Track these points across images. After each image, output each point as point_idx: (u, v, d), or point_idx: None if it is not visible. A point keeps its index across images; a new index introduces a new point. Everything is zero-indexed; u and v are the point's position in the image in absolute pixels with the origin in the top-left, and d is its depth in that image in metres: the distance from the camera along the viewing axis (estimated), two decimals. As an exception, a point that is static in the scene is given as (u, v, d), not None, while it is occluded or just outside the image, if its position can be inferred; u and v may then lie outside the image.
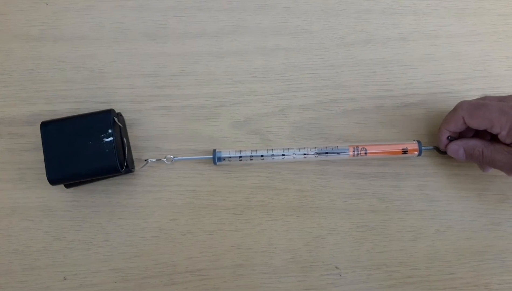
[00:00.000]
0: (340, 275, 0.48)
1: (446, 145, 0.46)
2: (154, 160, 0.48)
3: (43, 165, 0.48)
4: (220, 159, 0.48)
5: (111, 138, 0.43)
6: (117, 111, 0.50)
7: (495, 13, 0.53)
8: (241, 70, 0.51)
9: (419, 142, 0.48)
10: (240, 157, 0.48)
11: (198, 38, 0.52)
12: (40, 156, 0.48)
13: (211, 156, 0.48)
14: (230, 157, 0.48)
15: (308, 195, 0.49)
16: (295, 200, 0.49)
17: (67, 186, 0.46)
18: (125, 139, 0.47)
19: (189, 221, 0.48)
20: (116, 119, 0.45)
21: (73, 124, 0.44)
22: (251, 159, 0.48)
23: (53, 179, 0.43)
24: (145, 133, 0.50)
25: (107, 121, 0.44)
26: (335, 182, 0.49)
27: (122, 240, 0.48)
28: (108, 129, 0.44)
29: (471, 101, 0.44)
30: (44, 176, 0.47)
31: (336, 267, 0.48)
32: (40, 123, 0.45)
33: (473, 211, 0.49)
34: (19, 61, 0.50)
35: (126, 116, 0.50)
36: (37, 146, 0.49)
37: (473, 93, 0.51)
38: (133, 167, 0.47)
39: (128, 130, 0.49)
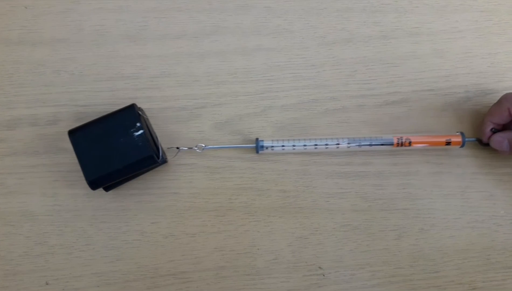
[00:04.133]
0: (324, 275, 0.47)
1: (489, 137, 0.46)
2: (185, 148, 0.48)
3: (24, 170, 0.48)
4: (262, 147, 0.47)
5: (141, 131, 0.43)
6: (98, 114, 0.49)
7: (477, 9, 0.53)
8: (222, 71, 0.51)
9: (462, 133, 0.48)
10: (283, 146, 0.47)
11: (178, 39, 0.51)
12: (20, 161, 0.48)
13: (252, 145, 0.48)
14: (272, 146, 0.47)
15: (290, 196, 0.49)
16: (278, 200, 0.49)
17: (106, 189, 0.46)
18: (153, 131, 0.47)
19: (171, 224, 0.48)
20: (140, 113, 0.45)
21: (100, 126, 0.44)
22: (294, 148, 0.47)
23: (94, 183, 0.43)
24: (126, 136, 0.49)
25: (133, 115, 0.44)
26: (318, 182, 0.49)
27: (104, 244, 0.48)
28: (136, 123, 0.43)
29: None
30: (25, 181, 0.47)
31: (320, 267, 0.48)
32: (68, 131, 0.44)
33: (456, 209, 0.49)
34: (-2, 66, 0.50)
35: (106, 119, 0.49)
36: (17, 151, 0.49)
37: (456, 90, 0.51)
38: (166, 158, 0.47)
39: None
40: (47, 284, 0.47)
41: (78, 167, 0.47)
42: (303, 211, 0.49)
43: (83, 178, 0.47)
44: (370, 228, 0.48)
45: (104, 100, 0.50)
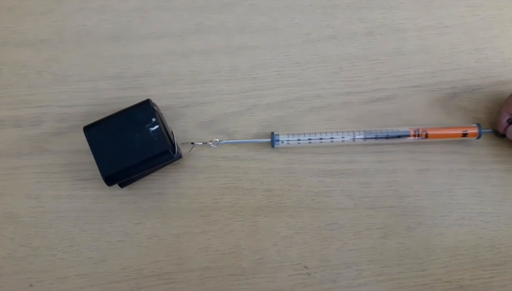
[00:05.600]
0: (309, 274, 0.47)
1: (506, 128, 0.46)
2: (200, 143, 0.48)
3: (7, 172, 0.48)
4: (278, 141, 0.47)
5: (156, 126, 0.43)
6: (81, 114, 0.49)
7: (463, 4, 0.52)
8: (206, 70, 0.50)
9: (478, 125, 0.47)
10: (299, 140, 0.47)
11: (162, 38, 0.51)
12: (3, 162, 0.48)
13: (267, 139, 0.48)
14: (288, 140, 0.47)
15: (276, 195, 0.48)
16: (263, 200, 0.48)
17: (121, 185, 0.46)
18: (168, 126, 0.47)
19: (155, 224, 0.48)
20: (155, 108, 0.44)
21: (115, 122, 0.44)
22: (310, 142, 0.47)
23: (109, 178, 0.43)
24: (109, 136, 0.49)
25: (148, 111, 0.44)
26: (303, 180, 0.49)
27: (88, 245, 0.47)
28: (151, 118, 0.43)
29: None
30: (9, 183, 0.47)
31: (305, 267, 0.47)
32: (83, 128, 0.44)
33: (443, 206, 0.48)
34: (-19, 67, 0.50)
35: (90, 119, 0.49)
36: (0, 153, 0.48)
37: (443, 86, 0.51)
38: (181, 153, 0.47)
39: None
40: (31, 286, 0.47)
41: (62, 169, 0.47)
42: (288, 210, 0.48)
43: (66, 179, 0.47)
44: (356, 226, 0.48)
45: (88, 101, 0.50)
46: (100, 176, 0.47)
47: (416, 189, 0.48)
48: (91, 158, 0.48)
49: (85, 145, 0.48)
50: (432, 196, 0.48)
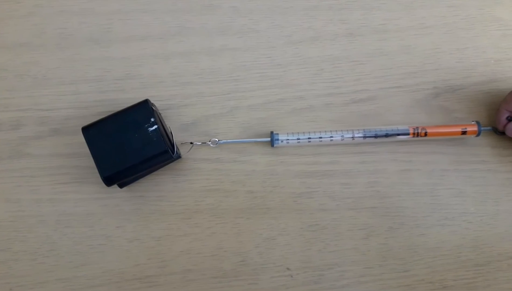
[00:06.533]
0: (292, 276, 0.47)
1: (505, 125, 0.46)
2: (199, 143, 0.48)
3: (-13, 176, 0.47)
4: (277, 141, 0.47)
5: (155, 126, 0.43)
6: (62, 118, 0.49)
7: (445, 4, 0.52)
8: (187, 72, 0.50)
9: (478, 123, 0.47)
10: (298, 139, 0.47)
11: (143, 41, 0.51)
12: (-18, 166, 0.47)
13: (267, 139, 0.48)
14: (288, 139, 0.47)
15: (258, 196, 0.48)
16: (245, 201, 0.48)
17: (120, 186, 0.46)
18: (166, 126, 0.47)
19: (137, 228, 0.47)
20: (154, 108, 0.44)
21: (113, 122, 0.44)
22: (309, 141, 0.47)
23: (108, 179, 0.43)
24: (90, 140, 0.48)
25: (147, 111, 0.44)
26: (285, 181, 0.48)
27: (69, 249, 0.47)
28: (150, 118, 0.43)
29: None
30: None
31: (288, 268, 0.47)
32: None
33: (425, 206, 0.48)
34: (-39, 71, 0.50)
35: (70, 123, 0.49)
36: (-21, 157, 0.48)
37: (424, 86, 0.51)
38: (180, 153, 0.47)
39: (73, 137, 0.49)
40: (11, 290, 0.46)
41: (42, 172, 0.47)
42: (270, 211, 0.48)
43: (46, 183, 0.47)
44: (338, 227, 0.48)
45: (68, 104, 0.49)
46: (80, 179, 0.47)
47: (398, 190, 0.48)
48: (72, 162, 0.48)
49: (66, 149, 0.48)
50: (415, 197, 0.48)
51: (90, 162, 0.47)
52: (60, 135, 0.49)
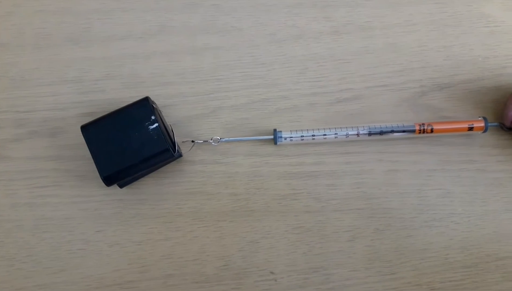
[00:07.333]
0: (276, 280, 0.46)
1: None
2: (200, 141, 0.47)
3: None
4: (280, 138, 0.46)
5: (156, 124, 0.42)
6: (40, 120, 0.48)
7: (431, 1, 0.51)
8: (169, 71, 0.49)
9: (485, 118, 0.46)
10: (302, 136, 0.46)
11: (123, 40, 0.50)
12: (-42, 170, 0.46)
13: (270, 136, 0.47)
14: (291, 137, 0.46)
15: (241, 199, 0.47)
16: (228, 204, 0.47)
17: (120, 186, 0.45)
18: (167, 124, 0.46)
19: (117, 232, 0.46)
20: (154, 106, 0.43)
21: (113, 121, 0.43)
22: (313, 139, 0.46)
23: (108, 178, 0.42)
24: (69, 142, 0.48)
25: (147, 109, 0.43)
26: (269, 183, 0.47)
27: (47, 255, 0.46)
28: (151, 116, 0.42)
29: None
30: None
31: (271, 272, 0.46)
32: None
33: (413, 207, 0.47)
34: None
35: (49, 125, 0.48)
36: (-46, 160, 0.47)
37: (411, 85, 0.50)
38: (181, 151, 0.46)
39: (52, 139, 0.48)
40: (-12, 298, 0.45)
41: (20, 176, 0.46)
42: (254, 214, 0.47)
43: (23, 187, 0.46)
44: (324, 229, 0.47)
45: (47, 105, 0.48)
46: (59, 183, 0.46)
47: (384, 191, 0.47)
48: (51, 165, 0.47)
49: (44, 151, 0.47)
50: (401, 198, 0.47)
51: (70, 165, 0.47)
52: (39, 138, 0.48)
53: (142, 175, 0.46)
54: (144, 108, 0.43)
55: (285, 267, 0.46)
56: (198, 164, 0.48)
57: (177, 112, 0.49)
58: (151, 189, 0.47)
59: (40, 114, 0.48)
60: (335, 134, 0.46)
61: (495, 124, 0.47)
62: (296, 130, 0.47)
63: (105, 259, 0.46)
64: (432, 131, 0.46)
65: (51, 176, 0.47)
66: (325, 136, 0.46)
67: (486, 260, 0.46)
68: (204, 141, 0.47)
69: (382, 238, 0.47)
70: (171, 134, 0.45)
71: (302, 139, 0.46)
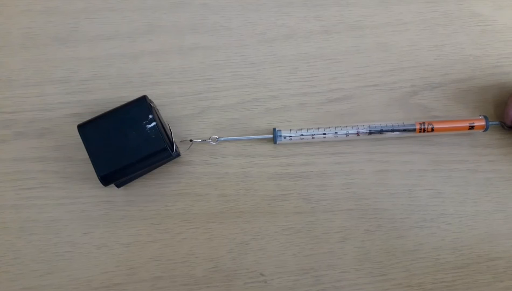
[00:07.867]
0: (266, 282, 0.45)
1: None
2: (199, 140, 0.46)
3: None
4: (280, 137, 0.45)
5: (153, 123, 0.42)
6: (26, 121, 0.47)
7: (422, 0, 0.51)
8: (157, 71, 0.49)
9: (486, 117, 0.46)
10: (302, 135, 0.45)
11: (111, 40, 0.49)
12: None
13: (269, 135, 0.46)
14: (291, 136, 0.46)
15: (231, 200, 0.47)
16: (217, 205, 0.47)
17: (118, 186, 0.44)
18: (166, 123, 0.45)
19: (104, 234, 0.46)
20: (152, 105, 0.43)
21: (110, 120, 0.42)
22: (313, 138, 0.46)
23: (105, 178, 0.41)
24: (56, 143, 0.47)
25: (145, 108, 0.42)
26: (259, 184, 0.47)
27: (33, 257, 0.45)
28: (148, 115, 0.42)
29: None
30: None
31: (261, 274, 0.45)
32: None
33: (403, 208, 0.47)
34: None
35: (35, 125, 0.47)
36: None
37: (402, 84, 0.49)
38: (179, 151, 0.46)
39: (38, 141, 0.47)
40: (-27, 301, 0.44)
41: (6, 177, 0.45)
42: (244, 215, 0.46)
43: (9, 189, 0.45)
44: (314, 230, 0.46)
45: (33, 106, 0.48)
46: (46, 184, 0.46)
47: (374, 191, 0.47)
48: (37, 166, 0.46)
49: (31, 152, 0.46)
50: (392, 198, 0.47)
51: (57, 166, 0.46)
52: (25, 139, 0.47)
53: (140, 175, 0.46)
54: (141, 107, 0.42)
55: (275, 269, 0.46)
56: (186, 165, 0.47)
57: (165, 112, 0.48)
58: (139, 190, 0.46)
59: (27, 115, 0.47)
60: (335, 133, 0.46)
61: (496, 122, 0.47)
62: (296, 129, 0.46)
63: (92, 262, 0.45)
64: (432, 130, 0.46)
65: (38, 177, 0.46)
66: (325, 135, 0.46)
67: (477, 261, 0.46)
68: (203, 140, 0.47)
69: (372, 239, 0.46)
70: (169, 133, 0.45)
71: (302, 138, 0.46)
